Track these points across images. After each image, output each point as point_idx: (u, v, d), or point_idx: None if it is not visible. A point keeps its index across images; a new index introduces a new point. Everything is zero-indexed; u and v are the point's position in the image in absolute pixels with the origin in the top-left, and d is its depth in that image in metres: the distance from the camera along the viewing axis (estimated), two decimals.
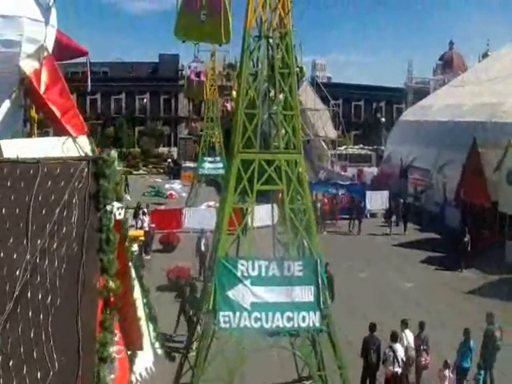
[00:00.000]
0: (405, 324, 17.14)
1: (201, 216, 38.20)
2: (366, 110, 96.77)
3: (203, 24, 17.39)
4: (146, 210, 35.87)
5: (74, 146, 12.40)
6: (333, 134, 65.39)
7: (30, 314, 6.99)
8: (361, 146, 77.60)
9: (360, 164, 65.77)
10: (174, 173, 68.11)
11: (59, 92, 24.89)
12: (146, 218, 34.20)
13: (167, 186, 59.45)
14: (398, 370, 15.96)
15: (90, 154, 12.49)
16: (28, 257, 7.30)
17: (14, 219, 7.59)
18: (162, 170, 73.73)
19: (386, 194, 44.36)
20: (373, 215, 43.00)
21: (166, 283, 25.47)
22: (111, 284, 7.55)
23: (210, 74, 46.78)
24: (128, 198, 47.37)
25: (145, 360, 11.05)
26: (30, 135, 15.02)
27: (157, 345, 11.98)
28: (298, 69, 16.16)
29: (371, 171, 60.02)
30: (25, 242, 7.44)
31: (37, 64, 22.27)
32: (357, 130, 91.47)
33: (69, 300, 7.12)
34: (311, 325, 14.13)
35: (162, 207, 43.93)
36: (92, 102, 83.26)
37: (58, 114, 23.86)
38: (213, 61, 46.73)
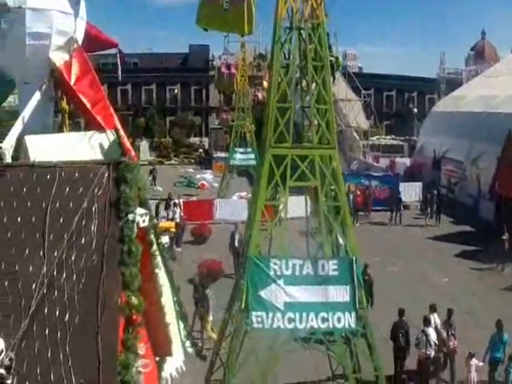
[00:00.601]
0: (433, 309, 18.03)
1: (232, 207, 38.08)
2: (397, 100, 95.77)
3: (226, 13, 17.07)
4: (177, 201, 35.76)
5: (100, 140, 12.04)
6: (365, 124, 64.77)
7: (47, 331, 6.59)
8: (392, 136, 76.66)
9: (392, 154, 64.85)
10: (206, 163, 68.08)
11: (89, 83, 24.75)
12: (178, 210, 34.06)
13: (198, 176, 59.35)
14: (431, 352, 16.76)
15: (116, 148, 12.19)
16: (44, 270, 6.91)
17: (29, 228, 7.23)
18: (193, 160, 73.67)
19: (419, 185, 43.77)
20: (406, 207, 41.94)
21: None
22: (134, 300, 7.08)
23: (241, 64, 46.59)
24: (159, 188, 47.43)
25: (175, 360, 10.78)
26: (61, 126, 14.85)
27: (187, 344, 11.74)
28: (333, 59, 15.66)
29: (404, 162, 59.13)
30: (41, 253, 7.07)
31: (67, 56, 22.10)
32: (388, 121, 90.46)
33: (88, 317, 6.70)
34: (347, 326, 13.68)
35: (194, 198, 43.79)
36: (123, 92, 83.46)
37: (88, 105, 23.69)
38: (243, 52, 46.57)
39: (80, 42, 23.66)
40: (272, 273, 13.41)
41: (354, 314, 13.63)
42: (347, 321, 13.61)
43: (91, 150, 11.05)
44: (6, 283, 6.86)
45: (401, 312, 17.66)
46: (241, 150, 45.58)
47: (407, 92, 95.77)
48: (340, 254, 14.25)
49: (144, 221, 7.89)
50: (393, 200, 39.91)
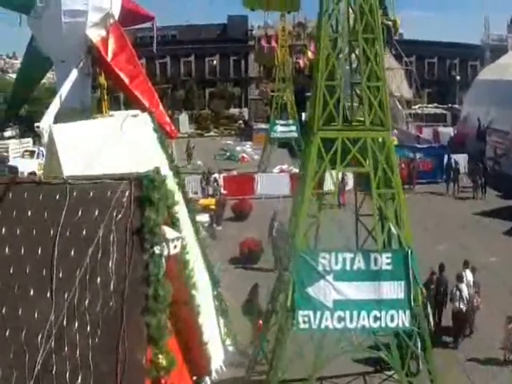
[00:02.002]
0: (466, 264, 19.38)
1: (274, 181, 37.67)
2: (439, 68, 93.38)
3: None
4: (217, 175, 35.36)
5: (134, 123, 11.35)
6: (408, 93, 63.41)
7: None
8: (435, 104, 74.90)
9: (435, 124, 63.42)
10: (245, 134, 67.42)
11: (126, 58, 24.36)
12: (218, 185, 33.65)
13: (238, 148, 58.70)
14: (463, 307, 18.02)
15: (152, 132, 11.52)
16: (52, 317, 5.76)
17: (34, 262, 6.09)
18: (233, 132, 73.03)
19: (465, 157, 42.60)
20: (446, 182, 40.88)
21: (239, 256, 24.84)
22: (161, 360, 5.88)
23: (281, 35, 45.71)
24: (199, 162, 47.06)
25: (215, 360, 10.23)
26: (99, 101, 14.38)
27: (228, 341, 11.20)
28: (390, 22, 15.13)
29: (447, 131, 57.66)
30: (48, 294, 5.90)
31: (103, 32, 21.63)
32: (430, 89, 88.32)
33: (106, 380, 5.52)
34: (400, 325, 12.71)
35: (234, 172, 43.00)
36: (161, 65, 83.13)
37: (126, 80, 23.30)
38: (283, 21, 45.68)
39: (116, 17, 23.18)
40: (321, 268, 12.47)
41: (408, 312, 12.64)
42: (401, 319, 12.64)
43: (124, 137, 10.50)
44: (8, 332, 5.81)
45: (441, 267, 19.07)
46: (282, 122, 44.84)
47: (449, 59, 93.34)
48: (392, 245, 13.29)
49: (176, 246, 6.57)
50: (452, 171, 38.57)
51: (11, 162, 41.89)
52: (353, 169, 13.42)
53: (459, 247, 26.39)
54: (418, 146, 42.88)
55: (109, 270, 5.95)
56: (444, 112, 68.95)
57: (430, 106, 73.76)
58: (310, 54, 53.30)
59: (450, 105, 72.42)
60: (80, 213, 6.25)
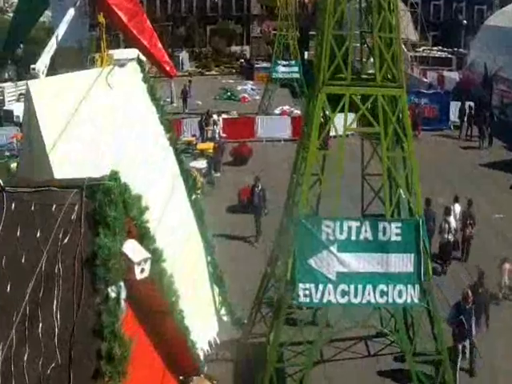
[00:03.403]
0: (456, 199, 21.58)
1: (275, 124, 37.21)
2: (445, 10, 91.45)
3: None
4: (216, 117, 34.74)
5: (121, 74, 10.57)
6: (413, 36, 62.10)
7: None
8: (439, 48, 73.51)
9: (440, 68, 62.27)
10: (247, 73, 66.21)
11: None
12: (217, 128, 33.10)
13: (239, 87, 57.67)
14: (451, 237, 20.02)
15: (141, 82, 10.85)
16: None
17: None
18: (234, 71, 71.83)
19: (471, 105, 41.36)
20: (456, 127, 39.83)
21: (237, 204, 24.25)
22: None
23: None
24: (198, 102, 46.38)
25: (207, 331, 9.66)
26: (98, 40, 13.87)
27: (223, 311, 10.68)
28: None
29: (452, 76, 56.57)
30: None
31: None
32: (435, 31, 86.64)
33: None
34: (409, 300, 11.82)
35: (234, 113, 42.38)
36: (162, 2, 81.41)
37: (124, 18, 22.66)
38: None
39: None
40: (324, 237, 11.45)
41: (417, 286, 11.75)
42: (410, 295, 11.74)
43: (111, 90, 9.86)
44: None
45: (427, 201, 19.61)
46: (284, 62, 43.86)
47: (455, 2, 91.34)
48: (401, 213, 12.30)
49: (143, 270, 5.32)
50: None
51: (6, 106, 40.51)
52: (362, 129, 12.27)
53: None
54: (424, 91, 42.06)
55: (53, 315, 4.63)
56: (449, 56, 67.63)
57: (434, 48, 72.41)
58: None
59: (455, 48, 71.07)
60: (18, 233, 4.99)
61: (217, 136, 32.55)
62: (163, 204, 9.80)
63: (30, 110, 8.73)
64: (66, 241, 4.86)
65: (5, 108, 40.13)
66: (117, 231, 4.87)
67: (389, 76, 11.65)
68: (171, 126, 11.66)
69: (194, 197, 11.19)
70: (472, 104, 39.89)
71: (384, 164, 11.55)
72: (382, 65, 11.45)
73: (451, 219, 20.09)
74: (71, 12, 23.65)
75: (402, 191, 11.92)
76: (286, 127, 36.49)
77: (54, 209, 4.98)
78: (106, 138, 9.35)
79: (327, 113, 11.74)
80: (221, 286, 11.16)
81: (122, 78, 10.41)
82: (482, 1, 78.03)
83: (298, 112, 41.25)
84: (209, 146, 30.86)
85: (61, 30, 23.92)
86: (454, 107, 40.85)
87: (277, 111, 43.03)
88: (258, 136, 36.59)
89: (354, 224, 11.55)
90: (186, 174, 11.30)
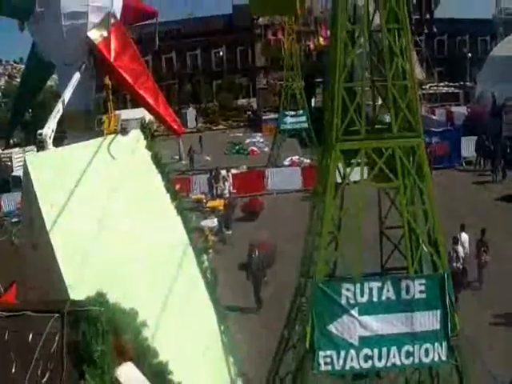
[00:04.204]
0: (462, 227, 21.48)
1: (285, 176, 36.93)
2: (449, 45, 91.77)
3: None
4: (225, 173, 34.45)
5: (124, 144, 10.19)
6: (420, 75, 61.96)
7: None
8: (446, 83, 73.40)
9: (447, 103, 62.07)
10: (255, 125, 66.49)
11: (130, 58, 23.56)
12: (227, 184, 32.79)
13: (248, 140, 57.69)
14: (460, 265, 19.97)
15: (145, 150, 10.45)
16: None
17: None
18: (241, 124, 72.09)
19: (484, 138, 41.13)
20: (468, 163, 39.73)
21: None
22: None
23: (288, 22, 44.65)
24: (207, 158, 46.32)
25: None
26: (105, 101, 13.56)
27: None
28: None
29: (461, 111, 56.19)
30: None
31: (105, 32, 20.76)
32: (440, 67, 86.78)
33: None
34: (436, 359, 11.01)
35: (244, 167, 42.12)
36: (167, 60, 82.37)
37: (129, 80, 22.50)
38: None
39: (118, 16, 22.32)
40: (344, 301, 10.79)
41: (445, 344, 10.98)
42: (437, 353, 10.97)
43: (113, 161, 9.53)
44: None
45: None
46: (291, 113, 43.90)
47: (459, 35, 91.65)
48: (423, 267, 11.47)
49: None
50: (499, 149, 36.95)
51: (14, 172, 40.45)
52: (380, 185, 11.53)
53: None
54: (434, 129, 41.77)
55: None
56: (456, 91, 67.47)
57: (441, 84, 72.31)
58: (321, 40, 52.20)
59: (461, 82, 70.92)
60: None
61: (227, 192, 32.18)
62: (172, 278, 9.43)
63: (28, 186, 8.40)
64: (45, 380, 3.91)
65: (13, 174, 40.00)
66: (105, 369, 4.11)
67: (405, 125, 11.00)
68: (177, 193, 11.20)
69: (205, 265, 10.69)
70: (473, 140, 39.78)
71: (404, 219, 10.91)
72: (397, 114, 10.82)
73: (459, 248, 20.35)
74: (77, 76, 23.69)
75: (424, 246, 11.17)
76: (297, 178, 36.23)
77: (30, 338, 4.19)
78: (110, 214, 8.96)
79: (341, 169, 11.16)
80: (235, 355, 10.62)
81: (124, 147, 10.01)
82: (485, 32, 78.17)
83: (307, 161, 41.08)
84: (219, 203, 30.49)
85: (67, 95, 23.92)
86: (465, 143, 40.52)
87: (286, 162, 42.93)
88: (268, 189, 36.29)
89: (376, 285, 10.89)
90: (193, 237, 10.83)
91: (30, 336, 4.20)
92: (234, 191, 33.04)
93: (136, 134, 10.50)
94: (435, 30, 47.69)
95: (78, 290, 8.04)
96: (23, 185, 9.14)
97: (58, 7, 21.08)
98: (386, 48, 10.76)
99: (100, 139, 9.80)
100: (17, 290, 10.06)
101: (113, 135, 9.93)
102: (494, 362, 15.48)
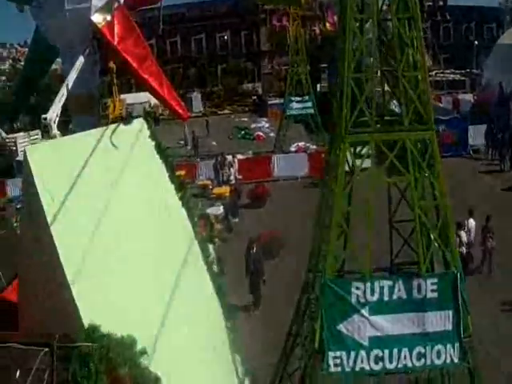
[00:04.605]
0: (470, 213, 21.43)
1: (291, 162, 36.59)
2: (455, 32, 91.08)
3: None
4: (231, 159, 34.15)
5: (126, 133, 9.84)
6: (427, 61, 61.48)
7: None
8: (452, 70, 72.78)
9: (453, 91, 61.58)
10: (260, 110, 66.07)
11: (133, 42, 23.31)
12: (232, 170, 32.49)
13: (253, 125, 57.46)
14: (463, 250, 19.92)
15: (148, 140, 10.09)
16: None
17: None
18: (247, 108, 71.69)
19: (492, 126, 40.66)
20: (476, 151, 39.50)
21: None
22: None
23: (293, 9, 44.19)
24: (213, 143, 46.03)
25: None
26: (110, 85, 13.29)
27: (246, 382, 10.08)
28: None
29: (467, 99, 55.75)
30: None
31: (108, 16, 20.40)
32: (446, 54, 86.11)
33: None
34: (448, 361, 10.68)
35: (250, 152, 41.92)
36: (172, 44, 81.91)
37: (134, 64, 22.17)
38: None
39: (122, 0, 21.94)
40: (354, 300, 10.47)
41: (457, 345, 10.65)
42: (449, 354, 10.64)
43: (115, 152, 9.28)
44: None
45: None
46: (297, 98, 43.55)
47: (465, 23, 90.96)
48: (434, 265, 11.10)
49: None
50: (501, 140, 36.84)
51: (19, 157, 39.21)
52: (391, 180, 11.08)
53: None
54: (441, 117, 41.33)
55: None
56: (462, 78, 66.93)
57: (447, 71, 71.73)
58: (328, 25, 51.68)
59: (467, 70, 70.36)
60: None
61: (232, 178, 31.89)
62: (177, 275, 9.20)
63: (28, 179, 8.13)
64: None
65: (17, 159, 39.41)
66: None
67: (416, 117, 10.60)
68: (182, 183, 10.92)
69: (211, 257, 10.44)
70: (480, 129, 39.64)
71: (415, 215, 10.53)
72: (408, 106, 10.44)
73: (462, 233, 20.38)
74: (81, 60, 23.47)
75: (436, 243, 10.81)
76: (303, 164, 35.91)
77: (18, 374, 3.59)
78: (112, 207, 8.69)
79: (350, 161, 10.75)
80: (241, 353, 10.40)
81: (127, 136, 9.69)
82: (492, 20, 77.49)
83: (314, 147, 40.79)
84: (225, 190, 30.28)
85: (71, 79, 23.75)
86: (472, 131, 40.21)
87: (292, 148, 42.64)
88: (274, 175, 35.97)
89: (387, 283, 10.57)
90: (199, 237, 10.53)
91: (17, 372, 3.59)
92: (240, 177, 32.75)
93: (139, 123, 10.18)
94: (449, 17, 46.66)
95: (80, 286, 7.84)
96: (23, 177, 8.87)
97: None
98: (396, 38, 10.40)
99: (102, 129, 9.47)
100: (18, 285, 9.85)
101: (115, 124, 9.59)
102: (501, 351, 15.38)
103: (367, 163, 10.78)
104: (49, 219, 7.84)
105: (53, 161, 8.27)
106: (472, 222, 21.26)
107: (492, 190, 31.11)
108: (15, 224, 15.06)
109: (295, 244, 21.48)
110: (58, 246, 7.70)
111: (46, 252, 7.93)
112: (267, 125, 56.69)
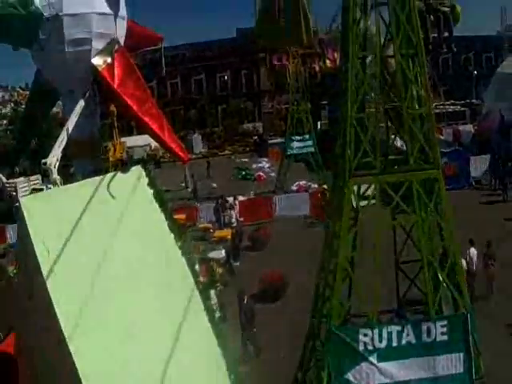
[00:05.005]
0: (470, 243, 20.77)
1: (293, 202, 36.19)
2: (453, 62, 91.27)
3: (284, 30, 15.78)
4: (231, 201, 33.82)
5: (125, 181, 9.64)
6: None
7: None
8: (452, 101, 72.69)
9: (453, 122, 61.51)
10: (261, 150, 65.89)
11: (134, 85, 23.24)
12: (233, 212, 32.14)
13: (254, 165, 57.12)
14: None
15: (147, 188, 9.84)
16: None
17: None
18: (247, 149, 71.64)
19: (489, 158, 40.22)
20: (478, 182, 39.05)
21: (258, 293, 22.15)
22: None
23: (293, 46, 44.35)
24: (214, 185, 45.81)
25: None
26: (111, 128, 13.00)
27: None
28: (447, 9, 11.96)
29: (468, 130, 55.56)
30: None
31: (109, 59, 20.30)
32: (445, 85, 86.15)
33: None
34: None
35: (251, 193, 41.42)
36: (172, 86, 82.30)
37: (134, 107, 22.05)
38: None
39: (122, 42, 21.92)
40: (361, 348, 10.11)
41: None
42: None
43: (113, 202, 8.97)
44: None
45: None
46: (298, 137, 43.18)
47: (464, 53, 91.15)
48: (444, 308, 10.77)
49: None
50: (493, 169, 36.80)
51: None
52: (397, 222, 10.84)
53: (498, 264, 22.12)
54: (442, 150, 41.14)
55: None
56: (462, 109, 66.91)
57: (447, 103, 71.62)
58: (328, 62, 51.79)
59: (467, 100, 70.38)
60: None
61: (234, 221, 31.55)
62: (178, 326, 8.91)
63: (23, 232, 7.89)
64: None
65: (17, 204, 39.03)
66: None
67: (421, 156, 10.32)
68: (180, 231, 10.62)
69: (212, 303, 10.16)
70: (482, 160, 39.55)
71: (423, 258, 10.17)
72: (413, 145, 10.15)
73: (463, 261, 19.91)
74: (81, 103, 23.43)
75: (445, 285, 10.53)
76: (305, 203, 35.54)
77: None
78: (109, 257, 8.43)
79: (354, 202, 10.49)
80: None
81: (124, 185, 9.43)
82: (491, 48, 77.77)
83: (315, 186, 40.56)
84: (226, 233, 29.79)
85: (71, 123, 23.75)
86: (474, 162, 39.96)
87: (294, 187, 42.28)
88: (276, 215, 35.47)
89: (395, 328, 10.25)
90: (199, 285, 10.22)
91: None
92: (242, 219, 32.36)
93: (137, 171, 9.91)
94: (455, 49, 46.78)
95: (77, 342, 7.56)
96: (18, 230, 8.62)
97: (61, 34, 20.77)
98: (400, 74, 10.16)
99: (99, 178, 9.20)
100: (15, 338, 9.56)
101: (112, 173, 9.34)
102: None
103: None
104: (44, 274, 7.57)
105: (48, 212, 8.04)
106: (473, 251, 20.90)
107: (494, 220, 30.14)
108: (13, 273, 14.77)
109: (298, 286, 21.14)
110: (54, 302, 7.42)
111: (41, 308, 7.66)
112: (268, 165, 56.51)
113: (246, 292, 19.78)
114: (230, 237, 28.86)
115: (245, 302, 18.47)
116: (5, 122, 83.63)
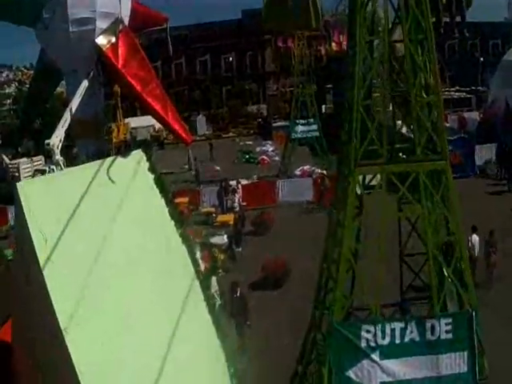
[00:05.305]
0: (473, 229, 20.82)
1: (296, 187, 35.94)
2: (460, 49, 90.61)
3: (292, 13, 15.44)
4: (234, 184, 33.57)
5: (125, 165, 9.38)
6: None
7: None
8: (457, 88, 72.20)
9: (459, 109, 61.03)
10: (265, 133, 65.62)
11: (138, 65, 22.99)
12: (236, 196, 31.88)
13: (258, 148, 56.75)
14: None
15: (147, 173, 9.61)
16: None
17: None
18: (251, 131, 71.31)
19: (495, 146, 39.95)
20: (483, 171, 38.73)
21: (260, 280, 22.13)
22: None
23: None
24: (217, 168, 45.57)
25: None
26: (114, 109, 12.75)
27: None
28: None
29: (473, 117, 55.10)
30: None
31: (113, 38, 20.05)
32: (451, 71, 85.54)
33: None
34: None
35: (254, 177, 41.25)
36: (177, 66, 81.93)
37: (137, 87, 21.82)
38: None
39: (126, 22, 21.67)
40: (364, 344, 9.88)
41: None
42: None
43: (113, 186, 8.82)
44: None
45: None
46: (302, 121, 42.93)
47: (470, 39, 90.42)
48: (448, 304, 10.47)
49: None
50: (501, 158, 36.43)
51: None
52: (403, 214, 10.67)
53: (501, 255, 22.02)
54: (448, 138, 40.76)
55: None
56: (468, 96, 66.44)
57: (452, 89, 71.14)
58: (333, 45, 51.39)
59: (472, 87, 69.86)
60: None
61: (236, 205, 31.31)
62: (177, 316, 8.78)
63: (20, 217, 7.69)
64: None
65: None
66: None
67: (429, 146, 10.04)
68: (181, 219, 10.42)
69: (212, 291, 10.00)
70: (487, 148, 39.34)
71: (429, 252, 9.90)
72: (421, 134, 9.82)
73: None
74: (85, 83, 23.25)
75: (451, 282, 10.24)
76: (308, 189, 35.25)
77: None
78: (108, 244, 8.25)
79: (359, 191, 10.23)
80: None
81: (125, 170, 9.22)
82: (498, 35, 77.09)
83: (319, 171, 40.26)
84: (229, 217, 29.53)
85: (74, 103, 23.58)
86: (479, 151, 39.71)
87: (297, 172, 41.94)
88: (279, 200, 35.24)
89: (398, 325, 9.99)
90: (199, 274, 10.03)
91: None
92: (244, 204, 32.11)
93: (138, 155, 9.65)
94: (467, 34, 45.76)
95: (74, 332, 7.41)
96: (15, 214, 8.42)
97: (65, 13, 20.62)
98: (408, 60, 9.83)
99: (99, 162, 8.97)
100: (12, 326, 9.41)
101: (112, 157, 9.11)
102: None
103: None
104: (41, 261, 7.39)
105: (46, 197, 7.83)
106: (475, 238, 20.95)
107: (501, 210, 29.80)
108: (10, 256, 14.60)
109: (301, 273, 20.98)
110: (50, 291, 7.25)
111: (38, 296, 7.49)
112: (272, 148, 56.11)
113: (248, 278, 19.63)
114: (232, 222, 28.61)
115: (237, 294, 17.80)
116: (9, 101, 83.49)
